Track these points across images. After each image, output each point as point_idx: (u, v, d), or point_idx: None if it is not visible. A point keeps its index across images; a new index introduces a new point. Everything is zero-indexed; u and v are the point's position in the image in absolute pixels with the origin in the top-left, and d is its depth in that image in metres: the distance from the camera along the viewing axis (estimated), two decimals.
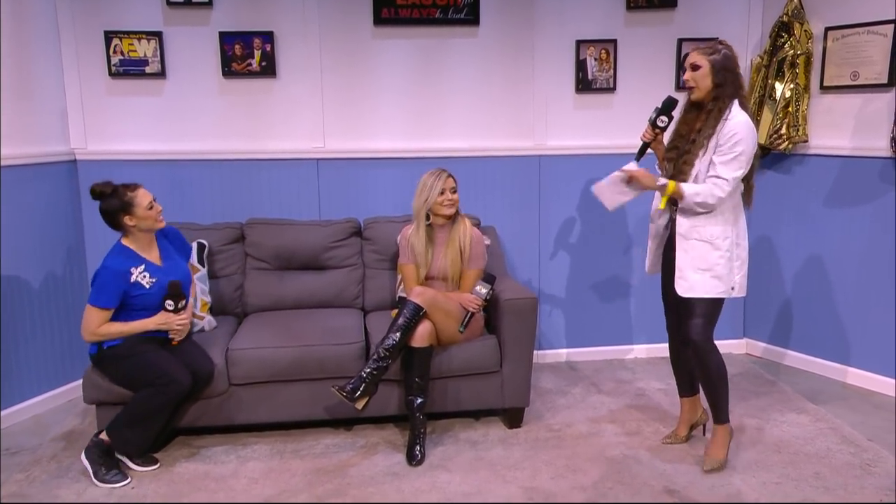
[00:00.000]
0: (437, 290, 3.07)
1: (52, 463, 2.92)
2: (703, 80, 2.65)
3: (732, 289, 2.72)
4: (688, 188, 2.63)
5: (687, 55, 2.77)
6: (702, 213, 2.67)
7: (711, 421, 2.89)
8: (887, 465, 2.83)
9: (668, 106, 2.75)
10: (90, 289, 2.78)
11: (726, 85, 2.63)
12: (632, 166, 2.74)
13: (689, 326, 2.74)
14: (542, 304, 3.99)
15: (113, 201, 2.77)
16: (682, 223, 2.70)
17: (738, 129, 2.58)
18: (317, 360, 3.01)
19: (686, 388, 3.02)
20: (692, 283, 2.69)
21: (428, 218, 3.16)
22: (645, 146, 2.83)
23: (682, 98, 2.77)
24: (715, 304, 2.72)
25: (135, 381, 2.76)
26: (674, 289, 2.75)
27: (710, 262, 2.68)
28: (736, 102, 2.64)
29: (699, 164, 2.66)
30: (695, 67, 2.66)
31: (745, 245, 2.77)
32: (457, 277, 3.19)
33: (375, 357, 2.88)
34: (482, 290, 3.03)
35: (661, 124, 2.76)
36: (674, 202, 2.75)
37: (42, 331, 3.44)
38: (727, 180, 2.57)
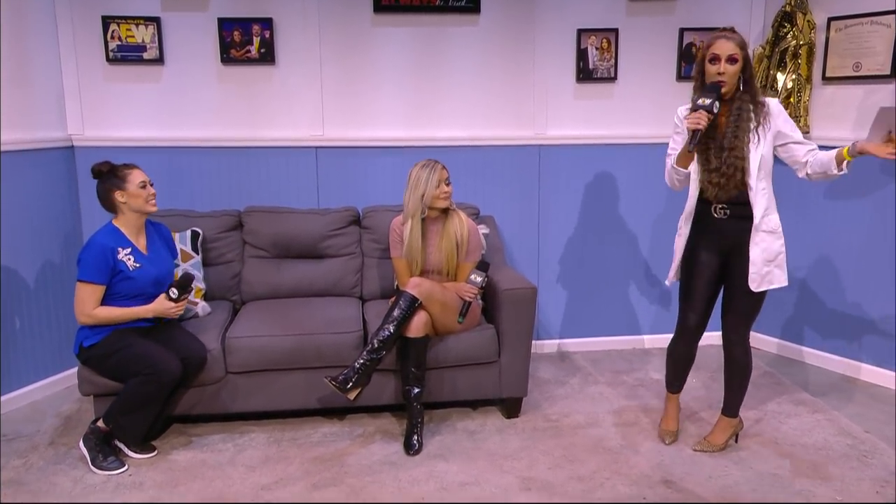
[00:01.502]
0: (434, 282, 3.05)
1: (49, 450, 2.92)
2: (734, 77, 2.53)
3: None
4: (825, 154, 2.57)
5: (691, 44, 2.64)
6: (771, 200, 2.64)
7: (743, 425, 2.89)
8: (884, 457, 2.83)
9: (715, 90, 2.53)
10: (77, 267, 2.76)
11: (753, 79, 2.59)
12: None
13: (734, 322, 2.74)
14: (541, 293, 3.97)
15: (109, 178, 2.80)
16: (757, 214, 2.60)
17: (782, 110, 2.60)
18: (315, 348, 3.00)
19: (678, 386, 3.01)
20: (764, 276, 2.65)
21: (423, 212, 3.11)
22: (697, 133, 2.56)
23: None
24: (762, 301, 2.70)
25: (123, 375, 2.75)
26: (711, 285, 2.74)
27: (775, 252, 2.66)
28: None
29: (755, 157, 2.57)
30: (732, 60, 2.50)
31: None
32: (452, 270, 3.17)
33: (370, 348, 2.87)
34: (477, 278, 3.01)
35: (716, 110, 2.52)
36: (734, 203, 2.65)
37: (39, 317, 3.42)
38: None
